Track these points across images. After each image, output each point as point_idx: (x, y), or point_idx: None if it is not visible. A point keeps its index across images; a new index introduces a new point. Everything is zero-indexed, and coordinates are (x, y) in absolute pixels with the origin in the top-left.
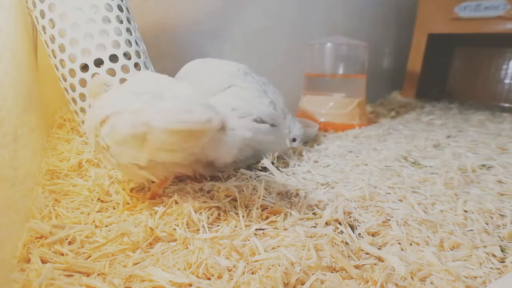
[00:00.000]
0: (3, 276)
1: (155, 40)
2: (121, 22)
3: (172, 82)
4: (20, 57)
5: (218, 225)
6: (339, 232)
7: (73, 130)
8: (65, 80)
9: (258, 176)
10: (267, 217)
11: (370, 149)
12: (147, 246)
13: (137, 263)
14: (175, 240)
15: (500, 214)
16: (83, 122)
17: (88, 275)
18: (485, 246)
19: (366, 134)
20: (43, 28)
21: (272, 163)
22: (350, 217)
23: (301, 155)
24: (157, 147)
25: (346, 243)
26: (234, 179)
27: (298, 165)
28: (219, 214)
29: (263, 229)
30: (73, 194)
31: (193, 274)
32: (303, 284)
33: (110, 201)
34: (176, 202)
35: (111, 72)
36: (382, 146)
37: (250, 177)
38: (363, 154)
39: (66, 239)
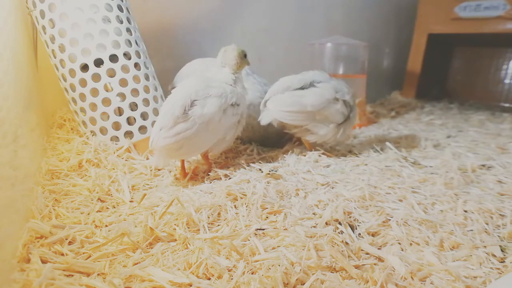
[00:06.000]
0: (3, 276)
1: (155, 40)
2: (121, 22)
3: None
4: (20, 57)
5: (218, 225)
6: (339, 232)
7: (73, 130)
8: (65, 80)
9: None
10: (267, 217)
11: (370, 149)
12: (147, 246)
13: (137, 263)
14: (175, 240)
15: (500, 214)
16: (83, 122)
17: (88, 275)
18: (485, 246)
19: (366, 134)
20: (43, 28)
21: None
22: (350, 217)
23: (301, 155)
24: None
25: (346, 243)
26: (235, 178)
27: (298, 165)
28: (219, 214)
29: (263, 229)
30: (73, 194)
31: (193, 274)
32: (303, 284)
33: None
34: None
35: (111, 72)
36: (382, 146)
37: (250, 177)
38: (363, 154)
39: (66, 239)
